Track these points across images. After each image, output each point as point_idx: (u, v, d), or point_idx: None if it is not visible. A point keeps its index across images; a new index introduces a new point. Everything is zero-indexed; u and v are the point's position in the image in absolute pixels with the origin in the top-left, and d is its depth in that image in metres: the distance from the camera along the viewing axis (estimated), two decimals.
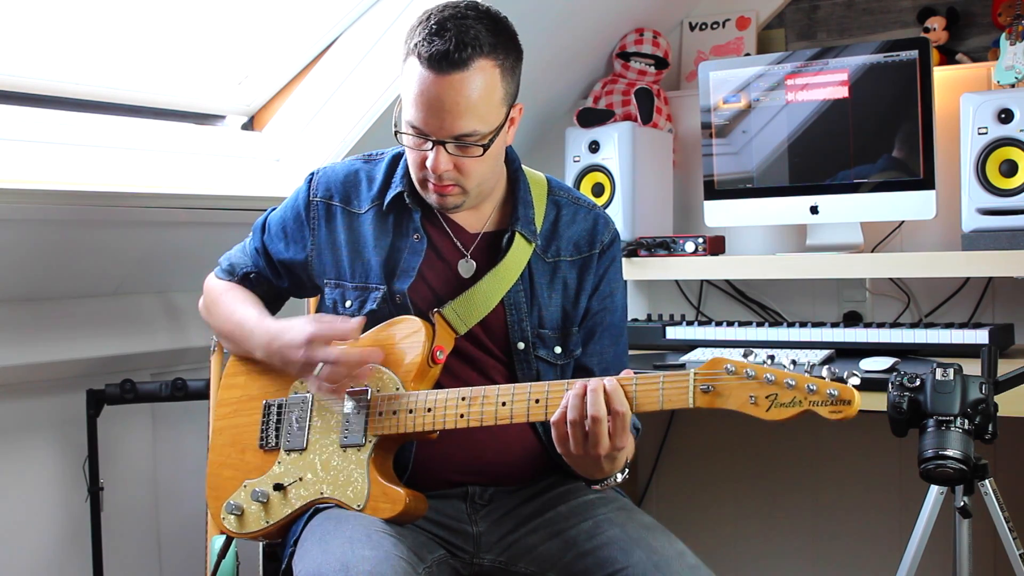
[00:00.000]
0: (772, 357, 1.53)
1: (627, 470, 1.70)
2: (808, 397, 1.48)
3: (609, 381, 1.59)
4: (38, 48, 2.29)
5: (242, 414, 1.90)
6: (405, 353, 1.78)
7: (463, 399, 1.70)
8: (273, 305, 2.03)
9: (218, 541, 2.01)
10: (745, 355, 1.55)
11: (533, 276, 1.85)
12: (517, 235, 1.83)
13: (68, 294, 2.36)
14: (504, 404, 1.68)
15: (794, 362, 1.52)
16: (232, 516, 1.84)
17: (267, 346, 1.82)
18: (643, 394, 1.59)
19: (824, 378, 1.49)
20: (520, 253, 1.83)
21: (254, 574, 1.97)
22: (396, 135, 1.78)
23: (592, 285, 1.88)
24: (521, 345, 1.83)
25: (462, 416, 1.70)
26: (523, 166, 1.91)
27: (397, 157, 1.90)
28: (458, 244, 1.85)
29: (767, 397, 1.51)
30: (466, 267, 1.84)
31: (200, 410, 2.26)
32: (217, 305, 1.97)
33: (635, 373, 1.62)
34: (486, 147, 1.73)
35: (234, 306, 1.93)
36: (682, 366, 2.37)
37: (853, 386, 1.48)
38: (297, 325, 1.78)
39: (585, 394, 1.58)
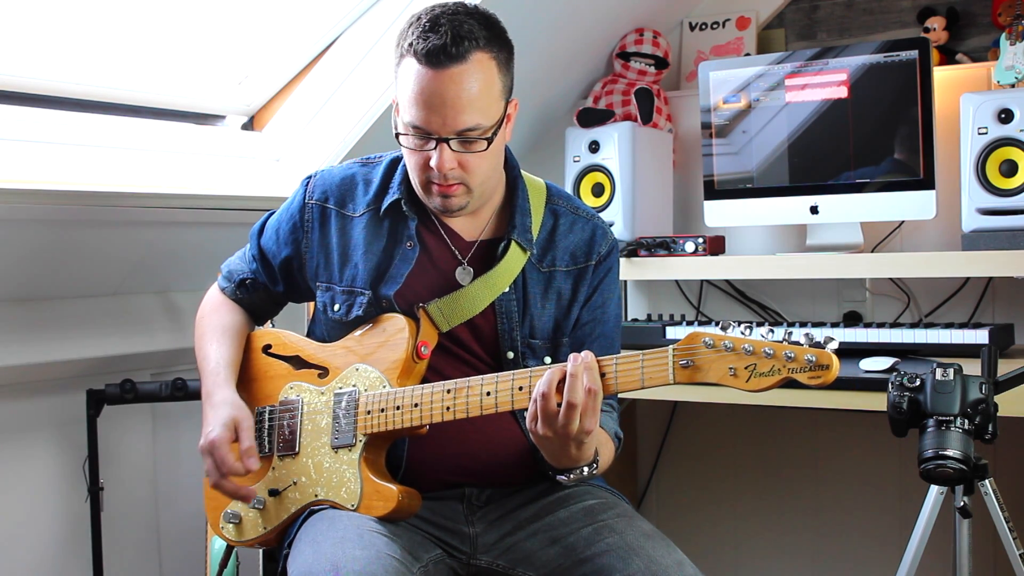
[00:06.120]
0: (750, 327, 1.51)
1: (595, 465, 1.70)
2: (787, 365, 1.47)
3: (586, 356, 1.59)
4: (38, 48, 2.29)
5: None
6: (390, 350, 1.78)
7: (448, 391, 1.70)
8: (271, 311, 2.04)
9: (219, 541, 2.01)
10: (723, 328, 1.54)
11: (527, 286, 1.84)
12: (512, 243, 1.82)
13: (68, 294, 2.36)
14: (488, 394, 1.68)
15: (772, 330, 1.51)
16: (231, 525, 1.85)
17: (204, 399, 1.85)
18: (623, 373, 1.59)
19: (802, 344, 1.48)
20: (514, 261, 1.82)
21: (254, 575, 1.98)
22: (397, 138, 1.77)
23: (585, 296, 1.87)
24: (511, 355, 1.82)
25: (448, 409, 1.70)
26: (523, 172, 1.90)
27: (395, 161, 1.90)
28: (455, 252, 1.85)
29: (746, 368, 1.50)
30: (464, 275, 1.83)
31: (200, 410, 2.25)
32: (198, 325, 1.98)
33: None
34: (490, 141, 1.73)
35: (206, 336, 1.94)
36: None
37: (831, 350, 1.47)
38: (216, 419, 1.76)
39: (563, 375, 1.59)
